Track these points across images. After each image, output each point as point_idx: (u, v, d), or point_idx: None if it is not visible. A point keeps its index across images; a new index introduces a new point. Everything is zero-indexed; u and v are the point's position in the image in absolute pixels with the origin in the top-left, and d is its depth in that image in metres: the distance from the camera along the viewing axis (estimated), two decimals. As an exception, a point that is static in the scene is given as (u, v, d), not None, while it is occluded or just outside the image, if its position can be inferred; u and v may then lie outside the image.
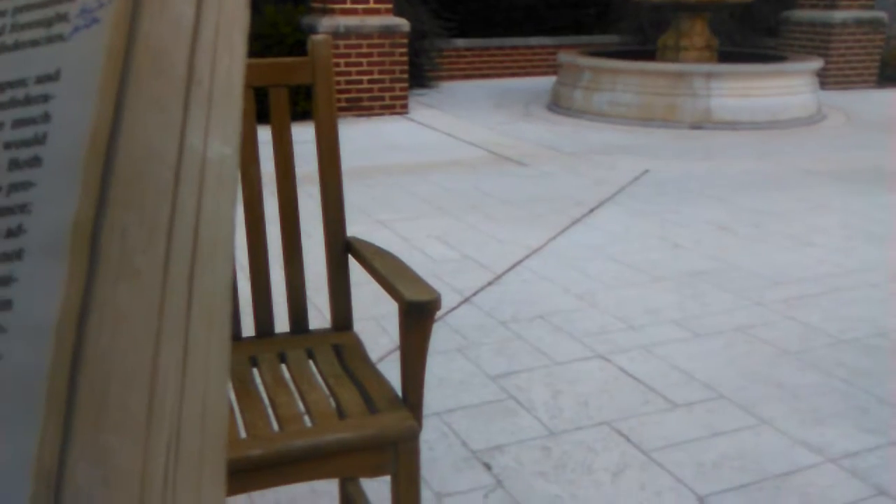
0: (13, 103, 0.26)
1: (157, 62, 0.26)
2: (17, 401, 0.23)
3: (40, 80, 0.26)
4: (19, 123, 0.26)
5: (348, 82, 7.25)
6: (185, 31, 0.27)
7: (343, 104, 7.23)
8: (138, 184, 0.25)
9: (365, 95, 7.36)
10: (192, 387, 0.26)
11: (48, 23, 0.27)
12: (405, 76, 7.50)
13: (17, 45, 0.27)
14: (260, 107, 1.71)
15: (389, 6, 7.35)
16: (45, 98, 0.26)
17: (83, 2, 0.27)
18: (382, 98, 7.43)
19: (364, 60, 7.28)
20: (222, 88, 0.28)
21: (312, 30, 7.18)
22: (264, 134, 1.67)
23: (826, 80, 8.99)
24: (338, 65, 7.12)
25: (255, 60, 1.70)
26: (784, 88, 7.20)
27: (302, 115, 5.11)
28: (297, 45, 7.38)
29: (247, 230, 1.73)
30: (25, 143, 0.25)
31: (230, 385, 1.31)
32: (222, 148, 0.28)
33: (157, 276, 0.25)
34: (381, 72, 7.36)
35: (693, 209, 4.47)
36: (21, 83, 0.26)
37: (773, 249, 3.81)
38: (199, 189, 0.27)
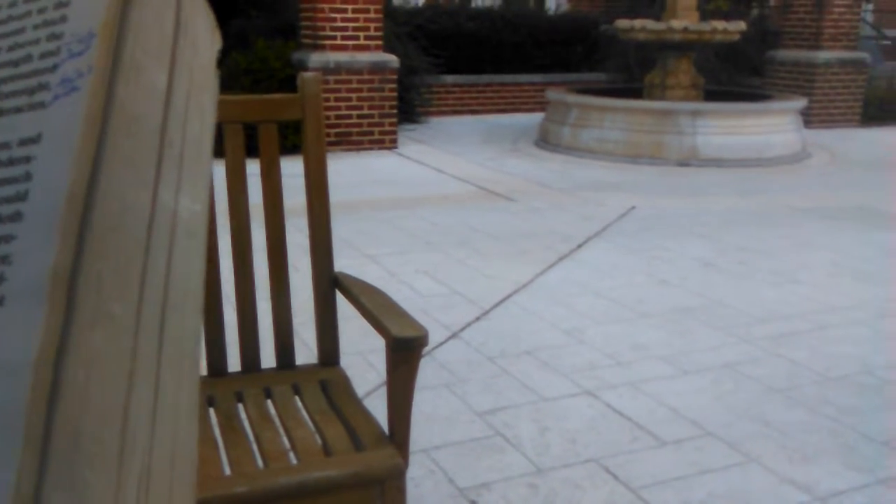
0: None
1: (132, 126, 0.29)
2: None
3: (23, 142, 0.28)
4: (2, 182, 0.27)
5: (338, 117, 7.29)
6: (158, 98, 0.30)
7: (332, 138, 7.26)
8: (113, 236, 0.27)
9: (354, 130, 7.40)
10: (163, 425, 0.28)
11: (30, 91, 0.29)
12: (394, 111, 7.55)
13: (1, 112, 0.29)
14: (249, 141, 1.72)
15: (379, 43, 7.42)
16: (27, 159, 0.27)
17: (63, 72, 0.29)
18: (372, 133, 7.47)
19: (354, 95, 7.33)
20: (192, 150, 0.30)
21: (303, 65, 7.23)
22: (253, 167, 1.68)
23: (810, 118, 9.11)
24: (328, 99, 7.16)
25: (245, 97, 1.72)
26: (769, 127, 7.29)
27: (291, 148, 5.13)
28: (287, 80, 7.42)
29: (234, 263, 1.73)
30: (8, 200, 0.27)
31: (213, 421, 1.30)
32: (192, 204, 0.30)
33: (130, 321, 0.27)
34: (370, 107, 7.41)
35: (680, 246, 4.49)
36: (5, 146, 0.28)
37: (760, 286, 3.83)
38: (170, 242, 0.29)
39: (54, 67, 0.29)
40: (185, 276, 0.29)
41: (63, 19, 0.30)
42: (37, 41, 0.30)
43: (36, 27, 0.30)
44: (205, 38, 0.33)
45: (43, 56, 0.29)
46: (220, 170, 1.65)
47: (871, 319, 3.41)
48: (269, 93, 7.59)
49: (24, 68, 0.29)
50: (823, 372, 2.89)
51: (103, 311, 0.26)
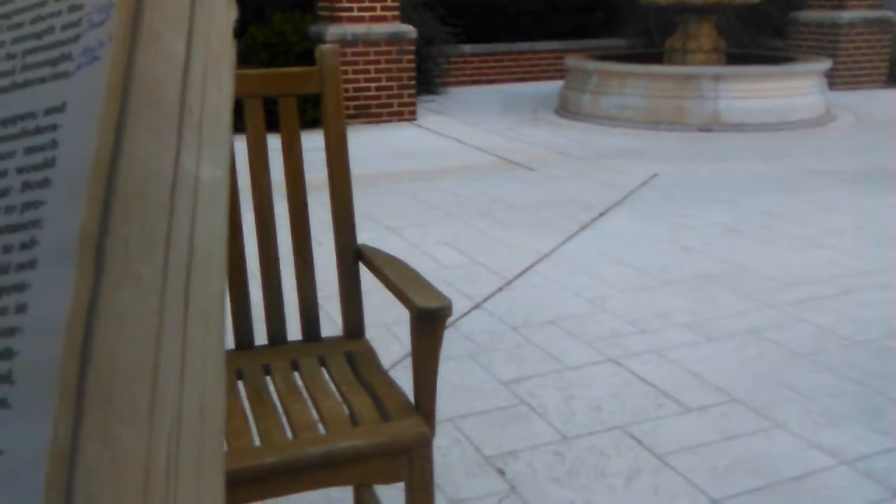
0: (24, 133, 0.29)
1: (153, 94, 0.30)
2: (32, 390, 0.25)
3: (48, 111, 0.29)
4: (30, 150, 0.29)
5: (356, 89, 7.27)
6: (177, 66, 0.30)
7: (351, 111, 7.25)
8: (138, 201, 0.28)
9: (373, 102, 7.38)
10: (191, 382, 0.29)
11: (54, 62, 0.30)
12: (413, 83, 7.52)
13: (27, 83, 0.30)
14: (269, 116, 1.72)
15: (396, 13, 7.37)
16: (53, 127, 0.29)
17: (85, 42, 0.30)
18: (390, 105, 7.45)
19: (372, 67, 7.30)
20: (212, 117, 0.31)
21: (320, 38, 7.21)
22: (273, 142, 1.69)
23: (835, 80, 8.96)
24: (346, 72, 7.14)
25: (263, 70, 1.72)
26: (793, 90, 7.19)
27: (311, 122, 5.13)
28: (304, 53, 7.41)
29: (258, 238, 1.74)
30: (36, 168, 0.28)
31: (242, 394, 1.32)
32: (213, 170, 0.31)
33: (156, 282, 0.28)
34: (388, 79, 7.39)
35: (702, 212, 4.46)
36: (31, 115, 0.29)
37: (784, 251, 3.80)
38: (193, 205, 0.30)
39: (76, 38, 0.30)
40: (209, 238, 0.30)
41: None
42: (58, 13, 0.31)
43: None
44: (221, 8, 0.34)
45: (65, 27, 0.30)
46: (241, 145, 1.66)
47: (895, 283, 3.38)
48: (288, 67, 7.59)
49: (47, 39, 0.31)
50: (849, 336, 2.87)
51: (130, 273, 0.27)
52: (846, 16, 9.22)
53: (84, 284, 0.26)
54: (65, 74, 0.29)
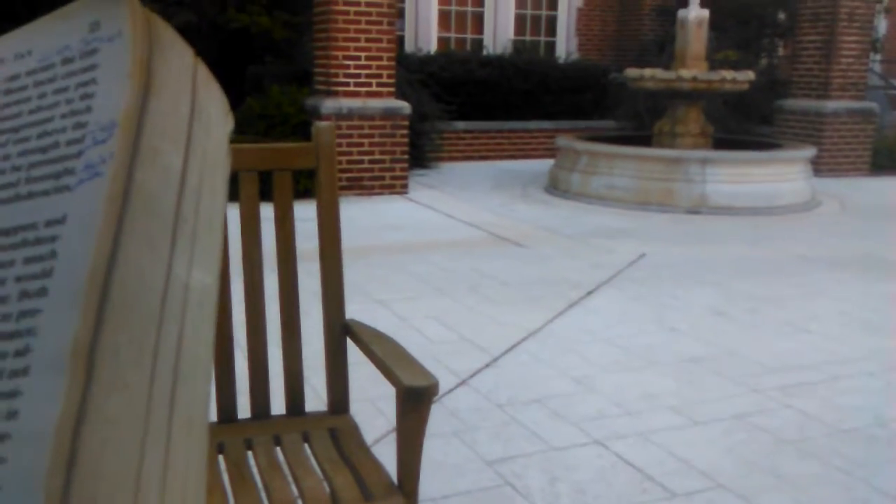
0: (25, 243, 0.30)
1: (150, 206, 0.31)
2: (19, 498, 0.25)
3: (49, 223, 0.30)
4: (30, 260, 0.30)
5: (350, 162, 7.36)
6: (174, 179, 0.32)
7: (344, 183, 7.33)
8: (130, 309, 0.29)
9: (366, 175, 7.46)
10: (173, 487, 0.29)
11: (57, 175, 0.31)
12: (406, 157, 7.62)
13: (30, 195, 0.31)
14: (263, 184, 1.74)
15: (392, 89, 7.52)
16: (53, 239, 0.30)
17: (87, 158, 0.31)
18: (383, 178, 7.53)
19: (366, 141, 7.41)
20: (205, 225, 0.33)
21: (316, 111, 7.33)
22: (267, 210, 1.70)
23: (820, 167, 9.14)
24: (340, 145, 7.24)
25: (260, 145, 1.75)
26: (779, 175, 7.32)
27: (304, 192, 5.17)
28: (300, 125, 7.52)
29: (246, 309, 1.74)
30: (34, 277, 0.29)
31: (222, 468, 1.30)
32: (204, 277, 0.32)
33: (144, 389, 0.28)
34: (382, 152, 7.49)
35: (690, 294, 4.49)
36: (32, 227, 0.30)
37: (770, 336, 3.82)
38: (182, 313, 0.31)
39: (79, 154, 0.31)
40: (196, 345, 0.31)
41: (88, 109, 0.32)
42: (64, 129, 0.32)
43: (63, 116, 0.33)
44: (218, 121, 0.36)
45: (69, 143, 0.32)
46: (234, 215, 1.68)
47: (881, 371, 3.39)
48: (283, 138, 7.69)
49: (51, 154, 0.32)
50: (835, 424, 2.87)
51: (119, 381, 0.28)
52: (830, 105, 9.46)
53: (74, 392, 0.27)
54: (67, 188, 0.31)
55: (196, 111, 0.34)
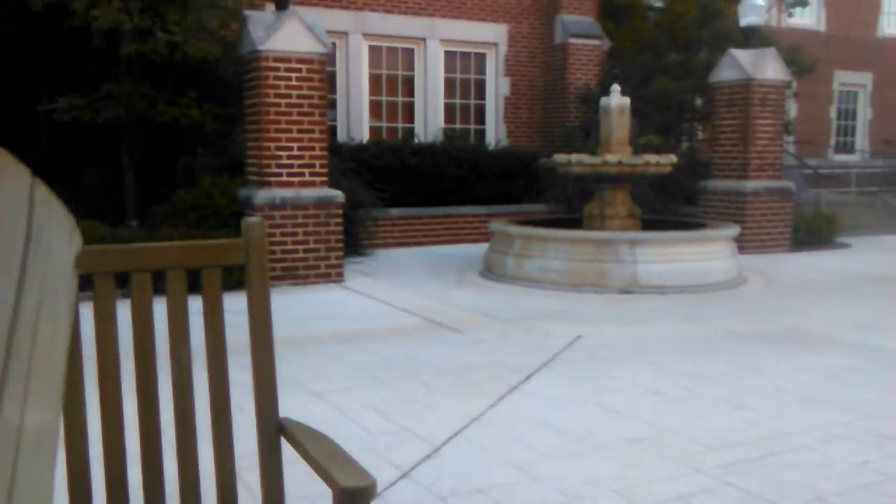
0: None
1: None
2: None
3: None
4: None
5: (284, 252, 7.31)
6: (4, 313, 0.30)
7: (278, 273, 7.25)
8: None
9: (300, 264, 7.41)
10: None
11: None
12: (340, 245, 7.61)
13: None
14: (192, 277, 1.70)
15: (325, 178, 7.56)
16: None
17: None
18: (318, 267, 7.49)
19: (300, 230, 7.39)
20: (43, 359, 0.30)
21: (249, 201, 7.30)
22: (195, 303, 1.66)
23: (744, 244, 9.44)
24: (273, 234, 7.20)
25: (190, 243, 1.72)
26: (706, 254, 7.53)
27: (235, 284, 5.08)
28: (232, 216, 7.47)
29: (175, 410, 1.68)
30: None
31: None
32: (43, 416, 0.30)
33: None
34: (316, 241, 7.46)
35: (627, 373, 4.52)
36: None
37: (707, 413, 3.85)
38: (14, 459, 0.28)
39: None
40: (32, 487, 0.29)
41: None
42: None
43: None
44: (60, 243, 0.34)
45: None
46: (161, 312, 1.63)
47: (817, 444, 3.43)
48: (216, 229, 7.61)
49: None
50: (776, 501, 2.87)
51: None
52: (750, 185, 9.85)
53: None
54: None
55: (33, 236, 0.32)
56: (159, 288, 1.63)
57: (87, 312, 1.59)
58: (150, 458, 1.64)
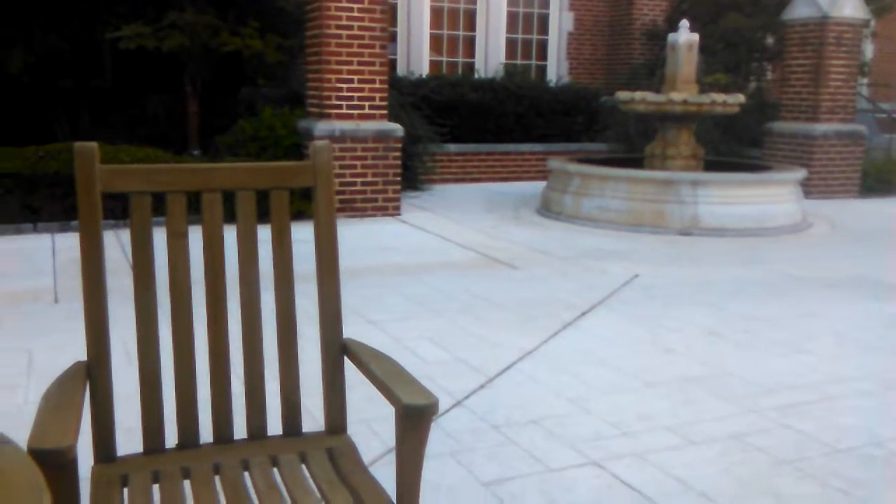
0: None
1: None
2: None
3: None
4: None
5: (342, 184, 7.36)
6: None
7: (337, 205, 7.30)
8: None
9: (358, 197, 7.47)
10: None
11: None
12: (398, 179, 7.63)
13: None
14: (258, 205, 1.73)
15: (384, 112, 7.54)
16: None
17: None
18: (375, 200, 7.53)
19: (358, 163, 7.42)
20: None
21: (308, 133, 7.34)
22: (263, 232, 1.69)
23: (810, 189, 9.20)
24: (332, 167, 7.24)
25: (258, 164, 1.74)
26: (769, 197, 7.35)
27: (297, 214, 5.16)
28: (292, 147, 7.53)
29: (243, 331, 1.73)
30: None
31: (217, 488, 1.27)
32: None
33: None
34: (374, 174, 7.50)
35: (684, 314, 4.49)
36: None
37: (765, 356, 3.81)
38: None
39: None
40: None
41: None
42: None
43: None
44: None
45: None
46: (231, 235, 1.67)
47: (877, 390, 3.39)
48: (275, 159, 7.69)
49: None
50: (832, 443, 2.86)
51: None
52: (820, 128, 9.54)
53: None
54: None
55: None
56: (228, 217, 1.66)
57: (159, 236, 1.63)
58: (219, 367, 1.69)
